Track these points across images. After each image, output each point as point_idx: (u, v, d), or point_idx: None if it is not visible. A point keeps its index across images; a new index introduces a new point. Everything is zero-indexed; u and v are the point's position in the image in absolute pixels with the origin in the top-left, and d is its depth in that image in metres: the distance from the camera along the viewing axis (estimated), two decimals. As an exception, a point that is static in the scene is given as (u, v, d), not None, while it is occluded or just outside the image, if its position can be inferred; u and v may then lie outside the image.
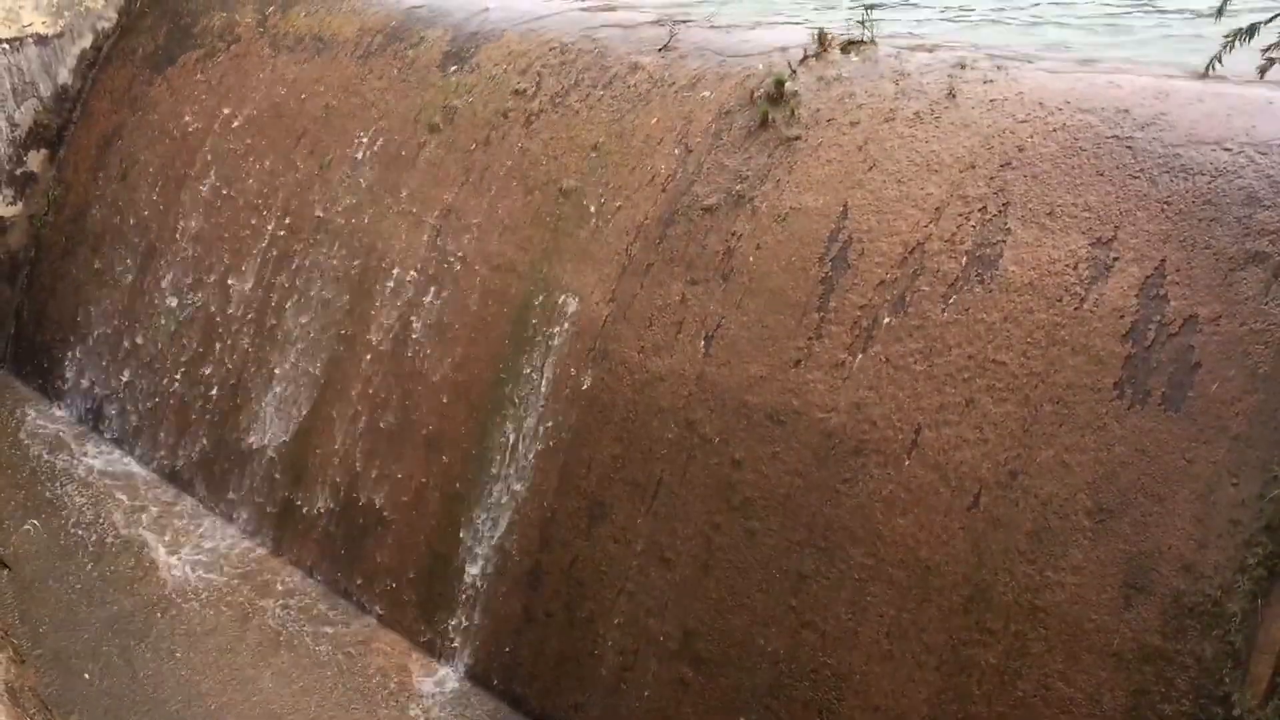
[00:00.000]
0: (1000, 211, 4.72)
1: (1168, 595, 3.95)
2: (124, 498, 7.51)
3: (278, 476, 7.00)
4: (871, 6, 5.88)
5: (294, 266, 7.24)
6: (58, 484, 7.67)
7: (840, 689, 4.63)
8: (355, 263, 6.93)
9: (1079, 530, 4.17)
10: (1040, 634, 4.19)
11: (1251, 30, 4.10)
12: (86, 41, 9.17)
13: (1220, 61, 4.38)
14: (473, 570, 5.93)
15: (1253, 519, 3.87)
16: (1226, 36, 4.20)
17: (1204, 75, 4.75)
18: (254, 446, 7.16)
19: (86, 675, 5.98)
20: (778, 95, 5.56)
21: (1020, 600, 4.24)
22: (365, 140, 7.20)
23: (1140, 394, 4.17)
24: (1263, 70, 4.42)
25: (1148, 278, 4.30)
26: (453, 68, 7.08)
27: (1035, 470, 4.31)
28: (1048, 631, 4.17)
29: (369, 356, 6.66)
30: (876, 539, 4.61)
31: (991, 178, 4.81)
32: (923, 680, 4.43)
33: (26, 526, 7.19)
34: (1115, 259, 4.38)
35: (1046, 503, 4.26)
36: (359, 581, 6.48)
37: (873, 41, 5.71)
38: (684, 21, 6.58)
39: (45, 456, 8.02)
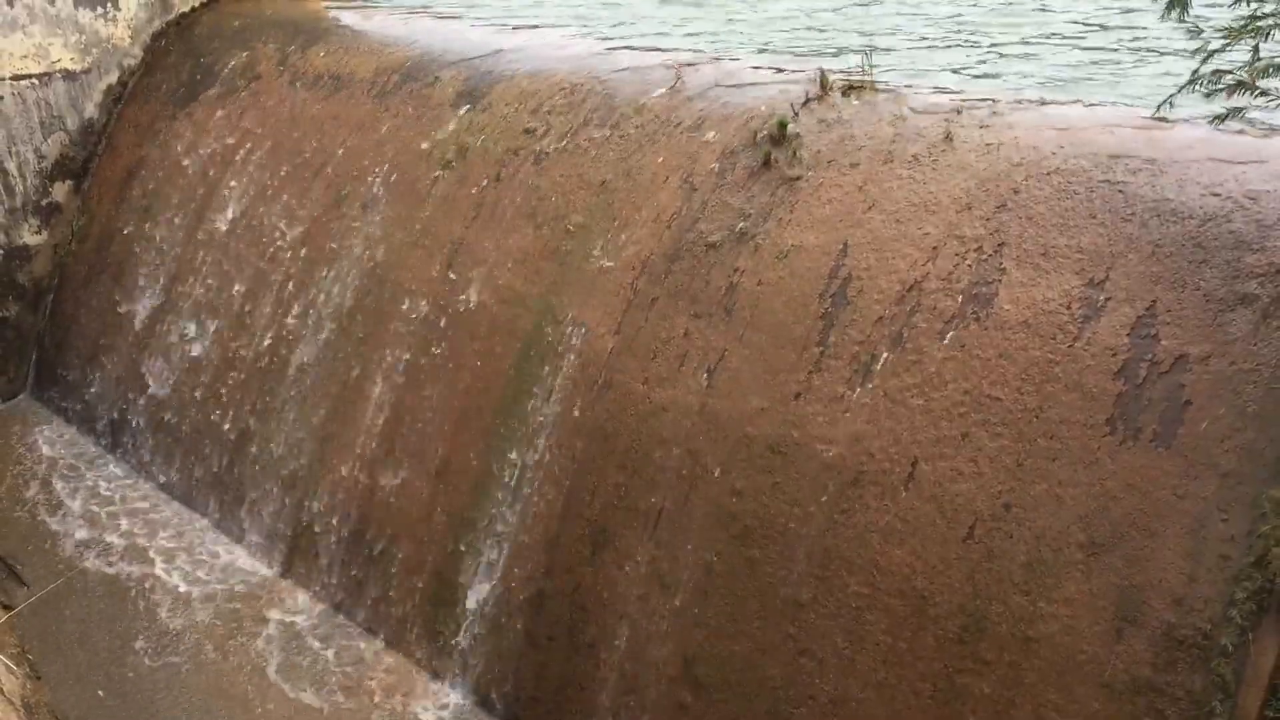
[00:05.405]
0: (996, 251, 4.84)
1: (1159, 628, 4.03)
2: (139, 519, 7.64)
3: (288, 500, 7.12)
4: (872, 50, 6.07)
5: (309, 296, 7.42)
6: (75, 505, 7.81)
7: (837, 716, 4.70)
8: (369, 293, 7.10)
9: (1072, 563, 4.25)
10: (1034, 664, 4.25)
11: (1216, 77, 4.23)
12: (113, 77, 9.44)
13: (1171, 105, 4.51)
14: (477, 594, 6.03)
15: (1242, 554, 3.94)
16: (1190, 81, 4.31)
17: (1153, 117, 4.90)
18: (266, 470, 7.29)
19: (100, 693, 6.08)
20: (780, 136, 5.73)
21: (1014, 631, 4.31)
22: (380, 175, 7.41)
23: (1132, 430, 4.27)
24: (1219, 119, 4.55)
25: (1139, 317, 4.40)
26: (465, 107, 7.29)
27: (1029, 503, 4.39)
28: (1041, 662, 4.24)
29: (380, 383, 6.81)
30: (873, 568, 4.69)
31: (987, 219, 4.94)
32: (918, 708, 4.49)
33: (44, 546, 7.32)
34: (1108, 299, 4.50)
35: (1040, 535, 4.34)
36: (365, 604, 6.58)
37: (873, 86, 5.89)
38: (690, 64, 6.78)
39: (63, 478, 8.16)
